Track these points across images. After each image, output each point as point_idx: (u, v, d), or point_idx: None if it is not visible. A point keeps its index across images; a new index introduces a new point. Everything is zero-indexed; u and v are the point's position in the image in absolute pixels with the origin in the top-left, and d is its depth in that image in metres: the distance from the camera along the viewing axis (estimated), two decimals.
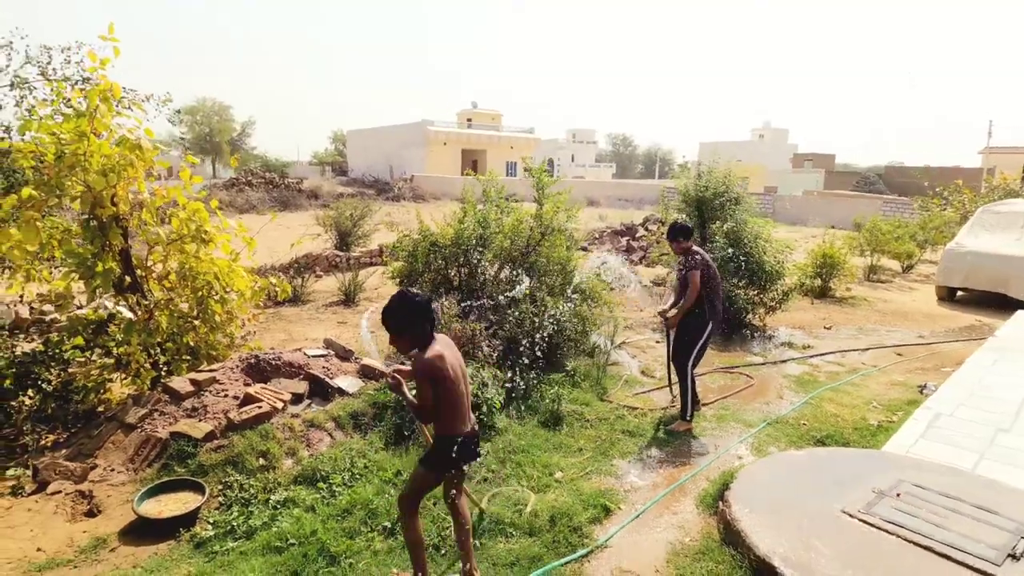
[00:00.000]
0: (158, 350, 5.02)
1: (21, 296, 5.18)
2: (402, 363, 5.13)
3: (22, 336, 5.29)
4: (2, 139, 6.74)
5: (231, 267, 5.21)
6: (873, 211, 20.57)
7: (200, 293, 5.07)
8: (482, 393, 4.92)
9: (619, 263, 10.02)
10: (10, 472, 4.08)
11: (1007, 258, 10.65)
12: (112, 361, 4.90)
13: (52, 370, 4.77)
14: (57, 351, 4.82)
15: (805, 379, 6.70)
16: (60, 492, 3.82)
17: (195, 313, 5.16)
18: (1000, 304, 10.41)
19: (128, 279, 4.90)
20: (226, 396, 4.56)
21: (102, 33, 4.82)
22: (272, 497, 3.84)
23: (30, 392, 4.69)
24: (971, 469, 4.26)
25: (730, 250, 8.22)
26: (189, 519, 3.62)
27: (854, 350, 7.89)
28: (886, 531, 3.35)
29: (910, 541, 3.24)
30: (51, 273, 4.93)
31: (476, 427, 3.06)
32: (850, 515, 3.51)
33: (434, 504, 3.77)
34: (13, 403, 4.63)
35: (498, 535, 3.60)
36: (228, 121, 55.16)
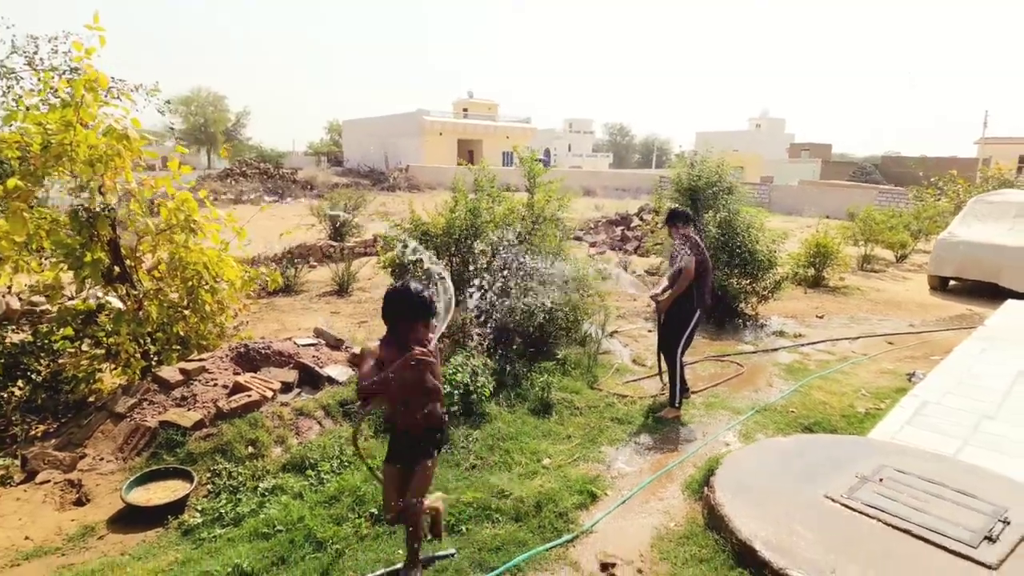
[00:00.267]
0: (148, 340, 5.03)
1: (10, 287, 5.18)
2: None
3: (12, 327, 5.29)
4: None
5: (220, 257, 5.21)
6: (868, 201, 20.58)
7: (190, 283, 5.08)
8: (472, 381, 4.95)
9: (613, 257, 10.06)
10: None
11: (999, 248, 10.69)
12: (102, 351, 4.91)
13: (42, 361, 4.79)
14: (46, 342, 4.83)
15: (795, 367, 6.74)
16: (49, 481, 3.84)
17: (185, 303, 5.17)
18: (992, 294, 10.46)
19: (117, 269, 4.90)
20: (215, 385, 4.58)
21: (87, 23, 4.79)
22: (260, 485, 3.87)
23: (20, 383, 4.71)
24: (954, 455, 4.31)
25: (722, 239, 8.23)
26: (177, 507, 3.64)
27: (845, 339, 7.94)
28: (867, 515, 3.39)
29: (890, 525, 3.29)
30: (40, 264, 4.93)
31: None
32: (832, 500, 3.55)
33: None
34: (3, 394, 4.64)
35: (484, 520, 3.63)
36: (223, 111, 54.91)
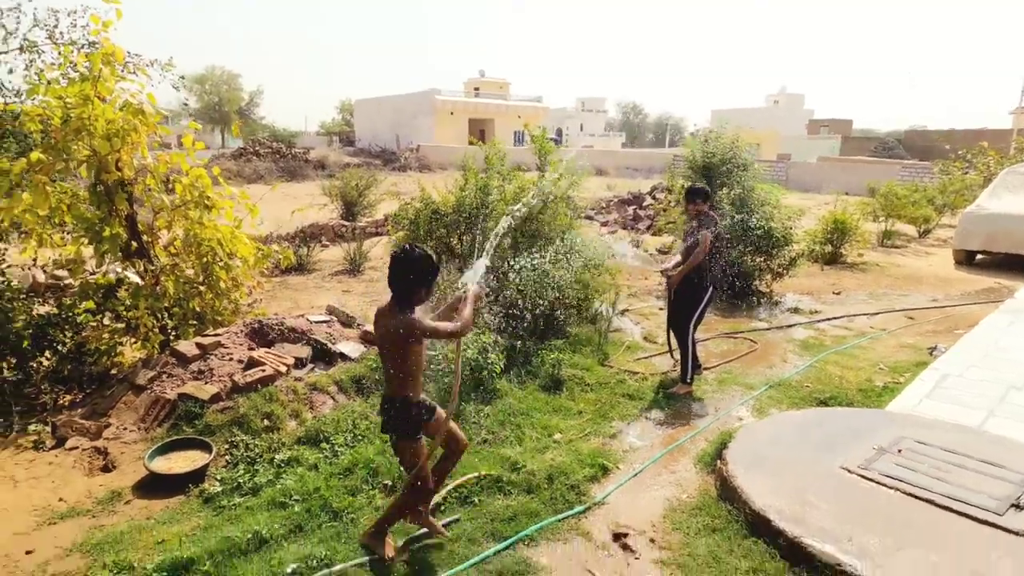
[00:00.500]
0: (165, 315, 5.11)
1: (34, 260, 5.29)
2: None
3: (39, 300, 5.44)
4: (12, 103, 6.74)
5: (234, 233, 5.24)
6: (890, 176, 20.16)
7: (205, 259, 5.12)
8: (483, 358, 4.95)
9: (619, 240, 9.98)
10: (31, 428, 4.28)
11: None
12: (122, 325, 5.01)
13: (66, 333, 4.92)
14: (70, 314, 4.95)
15: (811, 343, 6.67)
16: (77, 448, 3.99)
17: (200, 279, 5.22)
18: (1022, 267, 10.23)
19: (135, 244, 4.96)
20: (231, 360, 4.63)
21: None
22: (276, 456, 3.93)
23: (47, 354, 4.87)
24: (978, 426, 4.24)
25: (737, 216, 8.12)
26: (197, 476, 3.74)
27: (863, 314, 7.83)
28: (885, 485, 3.36)
29: (910, 495, 3.26)
30: (63, 238, 5.02)
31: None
32: (849, 471, 3.52)
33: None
34: (32, 364, 4.82)
35: (496, 492, 3.65)
36: (237, 90, 54.79)
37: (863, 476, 3.46)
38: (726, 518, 3.39)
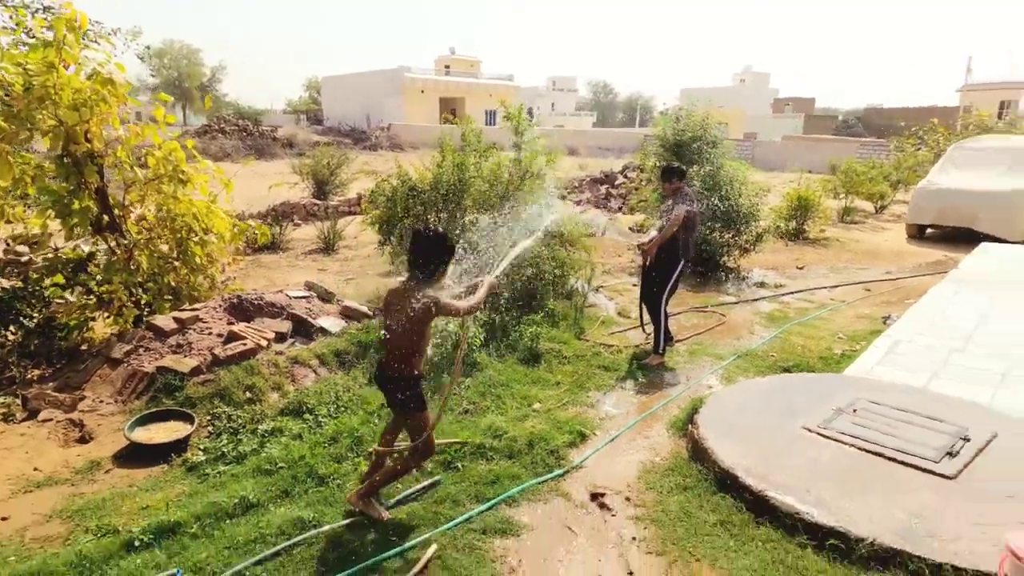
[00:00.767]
0: (140, 290, 5.05)
1: None
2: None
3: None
4: None
5: (210, 208, 5.19)
6: (850, 154, 20.69)
7: (179, 234, 5.07)
8: (463, 332, 5.05)
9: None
10: (0, 400, 4.21)
11: (976, 193, 10.87)
12: (94, 300, 4.94)
13: (34, 307, 4.82)
14: (37, 288, 4.85)
15: (776, 315, 6.95)
16: (51, 420, 3.96)
17: (175, 254, 5.16)
18: (967, 239, 10.70)
19: (106, 219, 4.87)
20: (210, 334, 4.64)
21: None
22: (260, 427, 3.98)
23: (12, 328, 4.77)
24: (923, 387, 4.57)
25: (706, 193, 8.32)
26: (180, 446, 3.76)
27: (824, 287, 8.17)
28: (841, 442, 3.61)
29: (862, 449, 3.52)
30: (24, 211, 4.88)
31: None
32: (809, 430, 3.76)
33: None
34: None
35: (479, 458, 3.78)
36: (197, 65, 52.90)
37: (822, 434, 3.71)
38: (697, 477, 3.58)
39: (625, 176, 17.48)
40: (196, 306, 4.94)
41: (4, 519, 3.14)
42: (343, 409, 4.27)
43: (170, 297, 5.21)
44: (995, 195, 10.72)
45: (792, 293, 7.88)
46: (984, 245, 9.63)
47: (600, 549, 3.03)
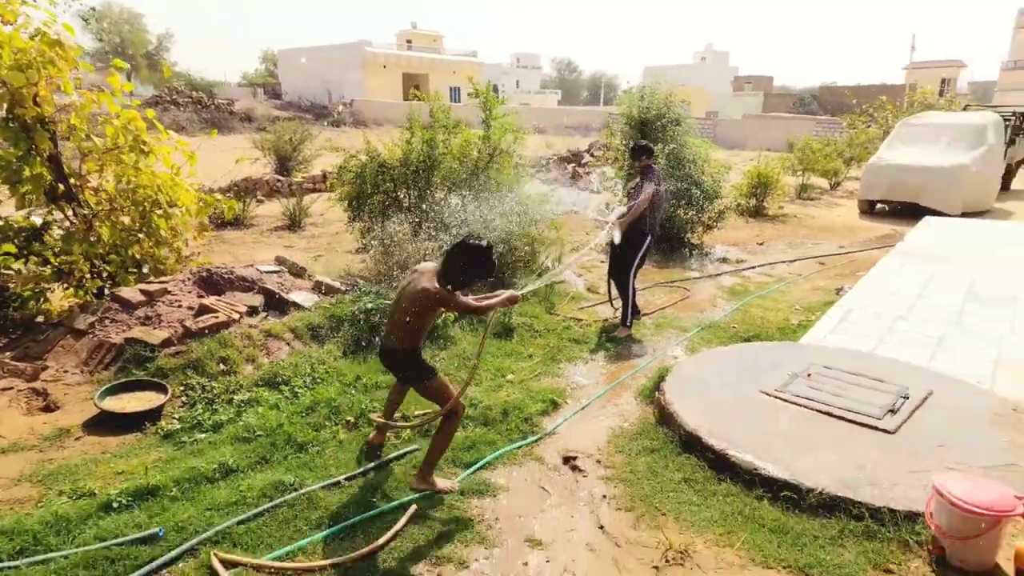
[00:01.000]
0: (101, 262, 4.91)
1: None
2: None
3: None
4: None
5: (175, 180, 5.07)
6: (807, 132, 21.32)
7: (143, 207, 4.94)
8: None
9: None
10: None
11: (920, 169, 11.39)
12: (48, 271, 4.78)
13: None
14: None
15: (737, 289, 7.23)
16: (12, 389, 3.87)
17: (138, 227, 5.03)
18: (914, 214, 11.24)
19: (61, 187, 4.69)
20: (180, 307, 4.58)
21: None
22: (236, 397, 3.99)
23: None
24: (871, 351, 4.90)
25: (671, 171, 8.50)
26: (153, 415, 3.73)
27: (782, 262, 8.52)
28: (795, 404, 3.86)
29: (814, 409, 3.78)
30: None
31: None
32: (767, 394, 3.99)
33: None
34: None
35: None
36: (141, 31, 50.11)
37: (779, 398, 3.94)
38: (663, 440, 3.77)
39: (592, 155, 17.63)
40: (164, 279, 4.86)
41: None
42: (319, 381, 4.31)
43: (135, 270, 5.09)
44: (936, 171, 11.23)
45: (753, 268, 8.19)
46: (927, 219, 10.15)
47: (573, 507, 3.18)
